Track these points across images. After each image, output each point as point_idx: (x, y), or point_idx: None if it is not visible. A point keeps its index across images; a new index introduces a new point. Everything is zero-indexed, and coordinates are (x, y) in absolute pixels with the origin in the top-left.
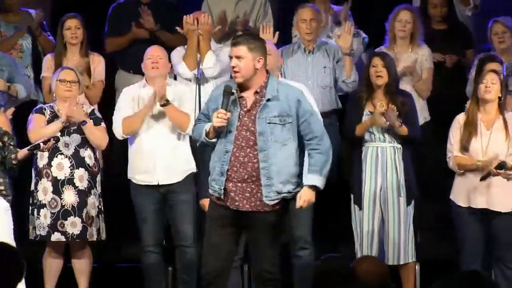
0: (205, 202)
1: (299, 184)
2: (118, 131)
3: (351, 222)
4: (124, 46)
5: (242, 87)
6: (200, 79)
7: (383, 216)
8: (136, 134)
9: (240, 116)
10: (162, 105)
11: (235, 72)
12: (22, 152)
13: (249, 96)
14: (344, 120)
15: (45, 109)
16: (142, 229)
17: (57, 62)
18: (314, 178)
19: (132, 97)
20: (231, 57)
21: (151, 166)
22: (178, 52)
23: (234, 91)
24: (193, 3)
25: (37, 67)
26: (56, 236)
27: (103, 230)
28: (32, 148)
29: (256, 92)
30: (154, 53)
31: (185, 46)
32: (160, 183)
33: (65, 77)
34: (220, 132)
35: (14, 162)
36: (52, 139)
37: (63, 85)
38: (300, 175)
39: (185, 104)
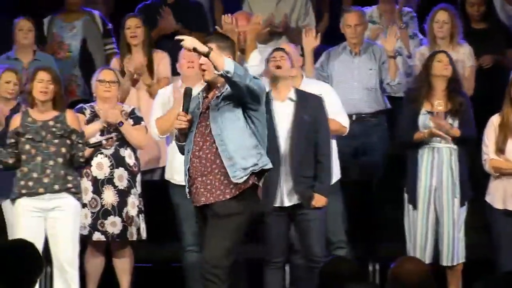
0: None
1: (262, 155)
2: (154, 132)
3: (388, 221)
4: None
5: (209, 87)
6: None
7: (437, 217)
8: (172, 135)
9: (200, 115)
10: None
11: (203, 70)
12: (87, 150)
13: (212, 95)
14: (398, 121)
15: (85, 109)
16: (182, 228)
17: (122, 62)
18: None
19: (167, 97)
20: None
21: (179, 168)
22: None
23: (191, 91)
24: (230, 2)
25: (86, 67)
26: (96, 236)
27: (144, 229)
28: (94, 146)
29: (216, 89)
30: (189, 52)
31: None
32: None
33: (104, 77)
34: (184, 134)
35: (81, 160)
36: (114, 136)
37: (102, 85)
38: (257, 146)
39: None
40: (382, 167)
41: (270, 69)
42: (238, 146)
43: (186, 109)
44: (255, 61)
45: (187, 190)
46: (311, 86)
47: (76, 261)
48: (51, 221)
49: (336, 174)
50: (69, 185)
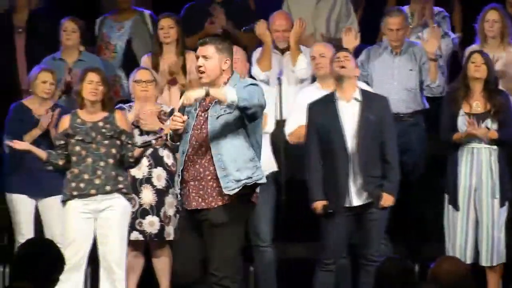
0: (318, 205)
1: (257, 167)
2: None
3: (427, 221)
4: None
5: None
6: (281, 80)
7: (477, 217)
8: None
9: (197, 116)
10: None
11: (201, 72)
12: (137, 150)
13: (211, 99)
14: (439, 122)
15: (124, 109)
16: None
17: (154, 62)
18: (230, 94)
19: None
20: (197, 57)
21: None
22: (255, 53)
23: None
24: (269, 2)
25: (131, 67)
26: (134, 235)
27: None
28: (143, 145)
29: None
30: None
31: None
32: None
33: (140, 77)
34: (179, 135)
35: (131, 160)
36: (163, 135)
37: (139, 86)
38: (254, 159)
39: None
40: (420, 167)
41: (334, 70)
42: (234, 158)
43: (182, 110)
44: (303, 64)
45: (178, 191)
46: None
47: (123, 262)
48: (101, 221)
49: None
50: (120, 186)
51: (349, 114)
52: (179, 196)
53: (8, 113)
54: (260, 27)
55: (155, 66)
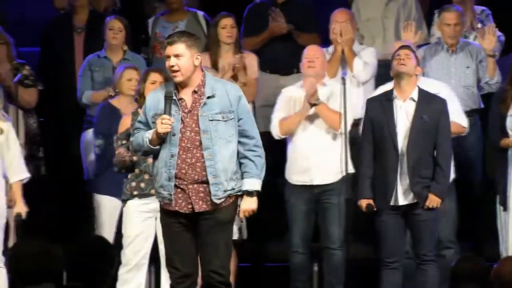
0: (363, 203)
1: (239, 179)
2: (275, 132)
3: (490, 221)
4: (260, 45)
5: (180, 87)
6: (345, 79)
7: None
8: (293, 135)
9: (182, 118)
10: (312, 105)
11: (175, 71)
12: None
13: (188, 96)
14: (488, 122)
15: None
16: (291, 229)
17: (212, 60)
18: (256, 183)
19: (290, 97)
20: (168, 57)
21: (306, 167)
22: None
23: (173, 94)
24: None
25: None
26: None
27: (245, 229)
28: None
29: (195, 91)
30: (311, 52)
31: (326, 50)
32: (314, 184)
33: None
34: (163, 138)
35: None
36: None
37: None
38: (238, 171)
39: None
40: (480, 166)
41: (394, 67)
42: (225, 167)
43: (169, 112)
44: (359, 67)
45: (167, 194)
46: (428, 85)
47: None
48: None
49: (451, 174)
50: None
51: (403, 113)
52: (166, 199)
53: (96, 113)
54: (334, 32)
55: (214, 65)
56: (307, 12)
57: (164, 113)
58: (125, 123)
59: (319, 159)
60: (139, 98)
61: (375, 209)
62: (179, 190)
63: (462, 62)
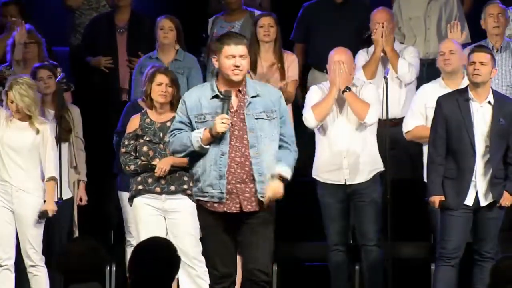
0: (436, 200)
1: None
2: (311, 120)
3: None
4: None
5: (229, 88)
6: (387, 78)
7: None
8: (323, 133)
9: (232, 118)
10: (342, 92)
11: (239, 71)
12: None
13: (233, 96)
14: None
15: None
16: (328, 228)
17: (251, 59)
18: (288, 172)
19: (321, 89)
20: (233, 56)
21: (338, 165)
22: (360, 56)
23: (230, 94)
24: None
25: None
26: None
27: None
28: None
29: (239, 91)
30: (335, 58)
31: (367, 50)
32: (346, 183)
33: None
34: (216, 138)
35: None
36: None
37: None
38: None
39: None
40: None
41: (469, 76)
42: (269, 165)
43: (227, 112)
44: (404, 69)
45: (217, 192)
46: None
47: (201, 258)
48: (170, 222)
49: None
50: (185, 186)
51: (481, 116)
52: (218, 199)
53: (123, 112)
54: (377, 33)
55: (253, 63)
56: (366, 12)
57: (222, 113)
58: (133, 123)
59: (351, 159)
60: (146, 99)
61: (450, 207)
62: (228, 188)
63: (506, 62)
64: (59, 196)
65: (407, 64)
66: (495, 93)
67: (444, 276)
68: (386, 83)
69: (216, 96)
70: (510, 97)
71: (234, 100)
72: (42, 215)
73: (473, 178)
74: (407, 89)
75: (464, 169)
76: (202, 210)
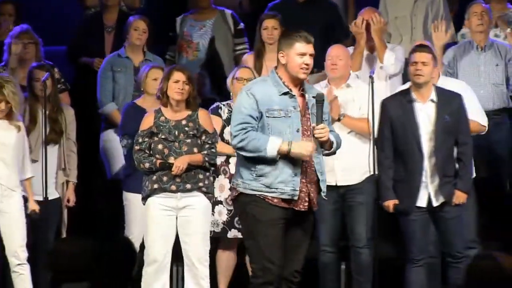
0: (390, 204)
1: None
2: None
3: None
4: None
5: (293, 85)
6: (373, 78)
7: None
8: None
9: (301, 116)
10: (337, 120)
11: (307, 69)
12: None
13: (297, 95)
14: None
15: (221, 108)
16: (319, 228)
17: (256, 62)
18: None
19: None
20: (304, 54)
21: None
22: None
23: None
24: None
25: (213, 66)
26: (233, 233)
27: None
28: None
29: (302, 90)
30: (334, 53)
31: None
32: (338, 184)
33: (242, 75)
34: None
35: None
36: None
37: (240, 83)
38: None
39: (366, 105)
40: (509, 164)
41: (411, 76)
42: (324, 164)
43: (321, 117)
44: (390, 60)
45: (290, 189)
46: (448, 84)
47: (206, 259)
48: (182, 220)
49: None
50: (200, 184)
51: (425, 115)
52: (293, 197)
53: (122, 114)
54: (356, 24)
55: (259, 66)
56: (332, 11)
57: (317, 118)
58: (148, 121)
59: (344, 160)
60: (162, 96)
61: (402, 209)
62: (300, 187)
63: (491, 60)
64: (44, 196)
65: (394, 57)
66: (438, 91)
67: (415, 277)
68: (372, 83)
69: (285, 93)
70: (456, 92)
71: (299, 100)
72: (33, 214)
73: (424, 179)
74: (390, 83)
75: (413, 171)
76: (263, 204)
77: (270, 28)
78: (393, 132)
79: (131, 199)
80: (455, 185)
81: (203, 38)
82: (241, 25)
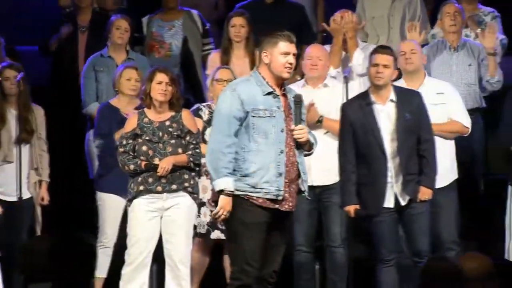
0: (351, 209)
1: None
2: None
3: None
4: None
5: (276, 86)
6: (348, 77)
7: None
8: None
9: (284, 116)
10: (317, 123)
11: (290, 69)
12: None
13: (280, 95)
14: (501, 118)
15: (201, 109)
16: (295, 227)
17: (223, 59)
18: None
19: None
20: (287, 54)
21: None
22: None
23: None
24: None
25: (186, 66)
26: (216, 234)
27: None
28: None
29: (284, 90)
30: (313, 53)
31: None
32: (314, 184)
33: (221, 76)
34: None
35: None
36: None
37: (220, 85)
38: None
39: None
40: (482, 165)
41: (370, 78)
42: (304, 162)
43: (300, 118)
44: (359, 60)
45: (274, 190)
46: (434, 84)
47: (188, 260)
48: (166, 219)
49: (453, 174)
50: (186, 184)
51: (385, 116)
52: (277, 197)
53: (96, 114)
54: (335, 21)
55: (225, 63)
56: (298, 12)
57: (295, 119)
58: (131, 123)
59: (320, 161)
60: (145, 98)
61: (368, 213)
62: (284, 187)
63: (464, 60)
64: (18, 196)
65: (363, 57)
66: (397, 90)
67: (386, 277)
68: (347, 83)
69: (269, 93)
70: (414, 90)
71: (282, 99)
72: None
73: (389, 180)
74: (363, 82)
75: (377, 173)
76: (247, 205)
77: (237, 26)
78: (354, 136)
79: (105, 199)
80: (419, 182)
81: (174, 38)
82: (207, 26)
